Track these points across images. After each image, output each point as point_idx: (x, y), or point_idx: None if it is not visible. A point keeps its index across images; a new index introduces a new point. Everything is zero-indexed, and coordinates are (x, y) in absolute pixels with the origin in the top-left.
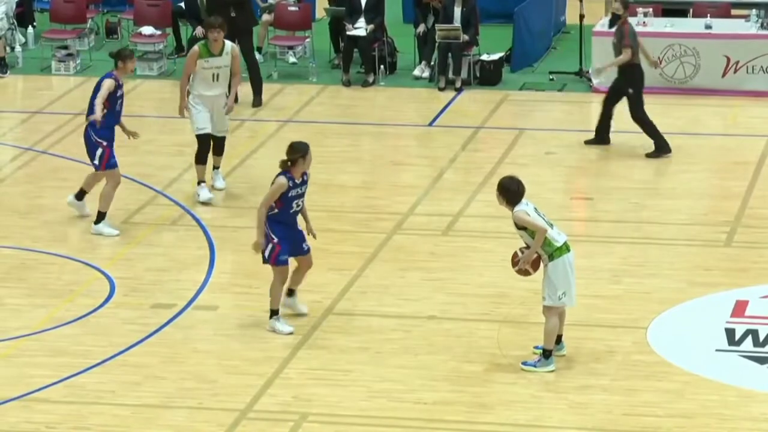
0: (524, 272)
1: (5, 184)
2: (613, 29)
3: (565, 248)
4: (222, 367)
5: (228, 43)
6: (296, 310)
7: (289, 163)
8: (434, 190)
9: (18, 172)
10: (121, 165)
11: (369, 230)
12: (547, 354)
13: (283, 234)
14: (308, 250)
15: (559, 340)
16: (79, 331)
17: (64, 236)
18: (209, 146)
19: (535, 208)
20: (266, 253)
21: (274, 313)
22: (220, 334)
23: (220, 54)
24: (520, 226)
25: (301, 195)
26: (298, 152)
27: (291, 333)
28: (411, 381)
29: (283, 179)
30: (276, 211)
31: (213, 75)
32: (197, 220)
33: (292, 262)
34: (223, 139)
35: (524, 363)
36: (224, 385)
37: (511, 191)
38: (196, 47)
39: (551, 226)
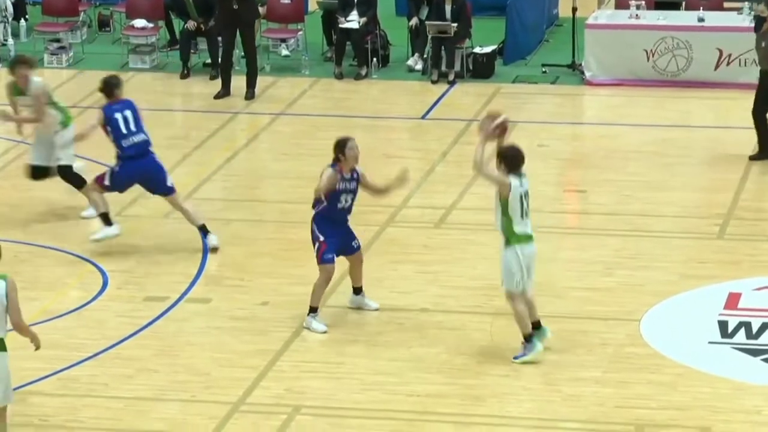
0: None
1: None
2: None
3: (525, 238)
4: (214, 359)
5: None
6: (366, 306)
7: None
8: (427, 183)
9: (10, 165)
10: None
11: (362, 223)
12: (528, 338)
13: (331, 232)
14: (358, 247)
15: (538, 325)
16: (72, 324)
17: (56, 229)
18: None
19: (522, 195)
20: (315, 251)
21: (312, 310)
22: (212, 327)
23: None
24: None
25: (351, 191)
26: (336, 148)
27: (325, 332)
28: (404, 373)
29: (330, 170)
30: (324, 204)
31: None
32: (195, 213)
33: (342, 263)
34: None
35: (515, 357)
36: (217, 378)
37: (514, 161)
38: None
39: (525, 215)
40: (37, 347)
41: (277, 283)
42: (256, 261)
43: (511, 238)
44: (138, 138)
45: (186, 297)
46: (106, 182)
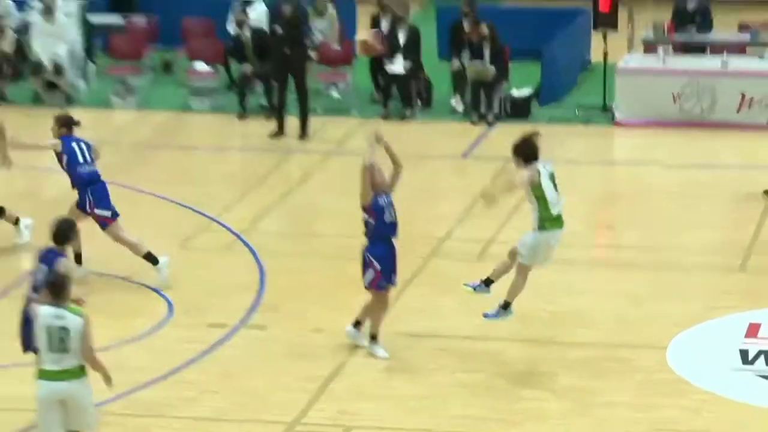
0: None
1: (66, 211)
2: None
3: (558, 223)
4: (271, 382)
5: None
6: (358, 341)
7: None
8: (468, 218)
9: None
10: (176, 194)
11: (406, 255)
12: (506, 305)
13: (385, 257)
14: (394, 284)
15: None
16: (139, 349)
17: (124, 260)
18: None
19: (551, 174)
20: (367, 279)
21: (372, 337)
22: (269, 352)
23: None
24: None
25: (390, 203)
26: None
27: (386, 357)
28: (447, 397)
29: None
30: (373, 223)
31: None
32: (248, 246)
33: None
34: None
35: (486, 315)
36: (273, 400)
37: (531, 154)
38: None
39: (558, 193)
40: (108, 384)
41: (330, 312)
42: (310, 291)
43: (546, 222)
44: (91, 168)
45: (245, 324)
46: (109, 216)
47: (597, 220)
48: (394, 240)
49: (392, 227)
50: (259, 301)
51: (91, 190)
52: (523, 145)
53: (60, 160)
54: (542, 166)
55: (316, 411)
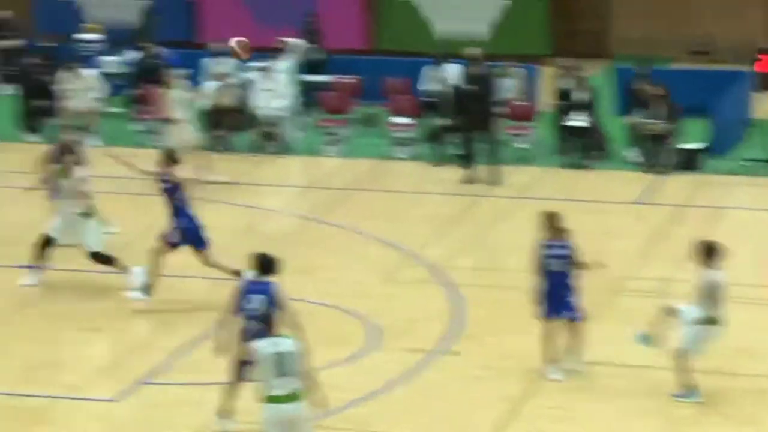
0: None
1: (286, 245)
2: None
3: (717, 323)
4: (465, 402)
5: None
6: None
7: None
8: (643, 257)
9: (296, 236)
10: (379, 231)
11: (589, 292)
12: (690, 389)
13: (547, 294)
14: (574, 319)
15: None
16: (349, 371)
17: (334, 290)
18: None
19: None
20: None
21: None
22: (465, 375)
23: None
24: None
25: (554, 256)
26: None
27: (558, 380)
28: (630, 420)
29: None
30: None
31: None
32: (444, 278)
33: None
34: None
35: (676, 395)
36: (471, 419)
37: (708, 253)
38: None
39: (722, 302)
40: (323, 407)
41: (517, 339)
42: (499, 320)
43: (709, 320)
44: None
45: (443, 349)
46: (175, 240)
47: (764, 262)
48: (557, 284)
49: (553, 276)
50: (455, 328)
51: (179, 220)
52: (708, 249)
53: (173, 191)
54: (718, 272)
55: (510, 430)
